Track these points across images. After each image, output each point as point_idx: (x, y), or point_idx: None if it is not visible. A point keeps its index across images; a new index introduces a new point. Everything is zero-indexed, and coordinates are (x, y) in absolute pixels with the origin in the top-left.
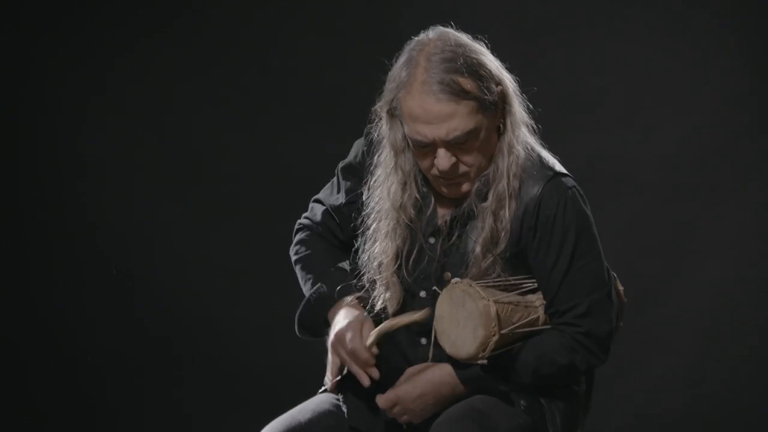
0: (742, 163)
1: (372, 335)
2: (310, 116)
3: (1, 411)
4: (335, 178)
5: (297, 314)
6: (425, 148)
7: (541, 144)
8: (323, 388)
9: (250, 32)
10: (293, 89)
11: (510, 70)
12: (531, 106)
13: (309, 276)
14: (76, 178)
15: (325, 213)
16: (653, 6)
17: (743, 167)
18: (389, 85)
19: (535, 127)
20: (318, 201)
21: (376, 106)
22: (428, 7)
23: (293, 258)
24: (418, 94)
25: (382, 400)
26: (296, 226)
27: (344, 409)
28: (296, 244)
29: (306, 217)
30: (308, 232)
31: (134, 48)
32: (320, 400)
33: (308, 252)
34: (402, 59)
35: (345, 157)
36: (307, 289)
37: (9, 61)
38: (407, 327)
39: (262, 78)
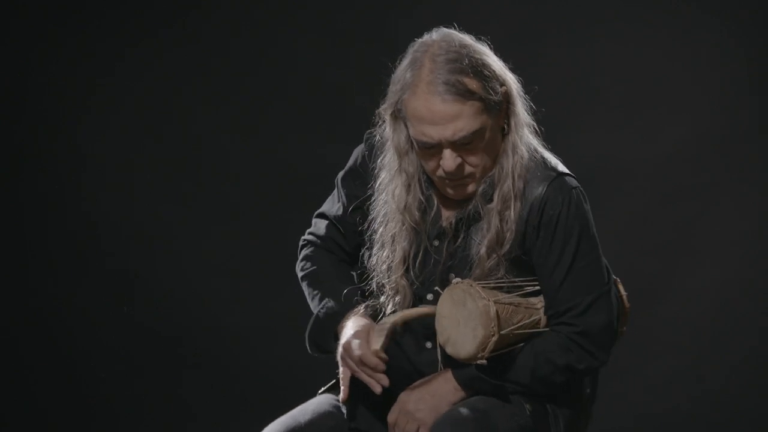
0: (742, 163)
1: (384, 327)
2: (311, 117)
3: (1, 411)
4: (335, 190)
5: (307, 332)
6: (431, 150)
7: (544, 145)
8: (323, 389)
9: (251, 32)
10: (294, 90)
11: (510, 70)
12: (534, 106)
13: (316, 292)
14: (76, 178)
15: (329, 226)
16: (653, 6)
17: (743, 167)
18: (393, 87)
19: (537, 128)
20: (320, 215)
21: (379, 109)
22: (430, 8)
23: (300, 275)
24: (423, 95)
25: (389, 417)
26: (301, 243)
27: (344, 410)
28: (302, 260)
29: (310, 233)
30: (313, 247)
31: (135, 48)
32: (320, 401)
33: (314, 267)
34: (406, 61)
35: (345, 157)
36: (314, 306)
37: (10, 60)
38: (412, 329)
39: (263, 78)
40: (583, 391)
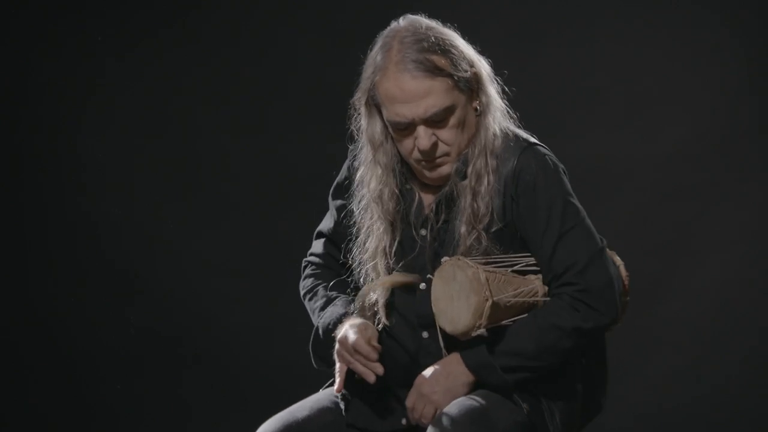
0: (742, 163)
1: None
2: (311, 117)
3: (1, 411)
4: (329, 207)
5: (310, 345)
6: (405, 131)
7: (518, 125)
8: (323, 388)
9: (251, 32)
10: (294, 90)
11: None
12: (506, 89)
13: (316, 306)
14: (76, 178)
15: (326, 243)
16: (653, 6)
17: (743, 167)
18: (365, 74)
19: (511, 112)
20: (318, 234)
21: (354, 99)
22: (429, 9)
23: (301, 293)
24: (393, 75)
25: (407, 401)
26: (303, 264)
27: (342, 406)
28: (303, 280)
29: (310, 254)
30: (313, 267)
31: (135, 48)
32: (318, 398)
33: (314, 284)
34: (376, 47)
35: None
36: (315, 319)
37: (10, 60)
38: (406, 319)
39: (263, 78)
40: (576, 385)
